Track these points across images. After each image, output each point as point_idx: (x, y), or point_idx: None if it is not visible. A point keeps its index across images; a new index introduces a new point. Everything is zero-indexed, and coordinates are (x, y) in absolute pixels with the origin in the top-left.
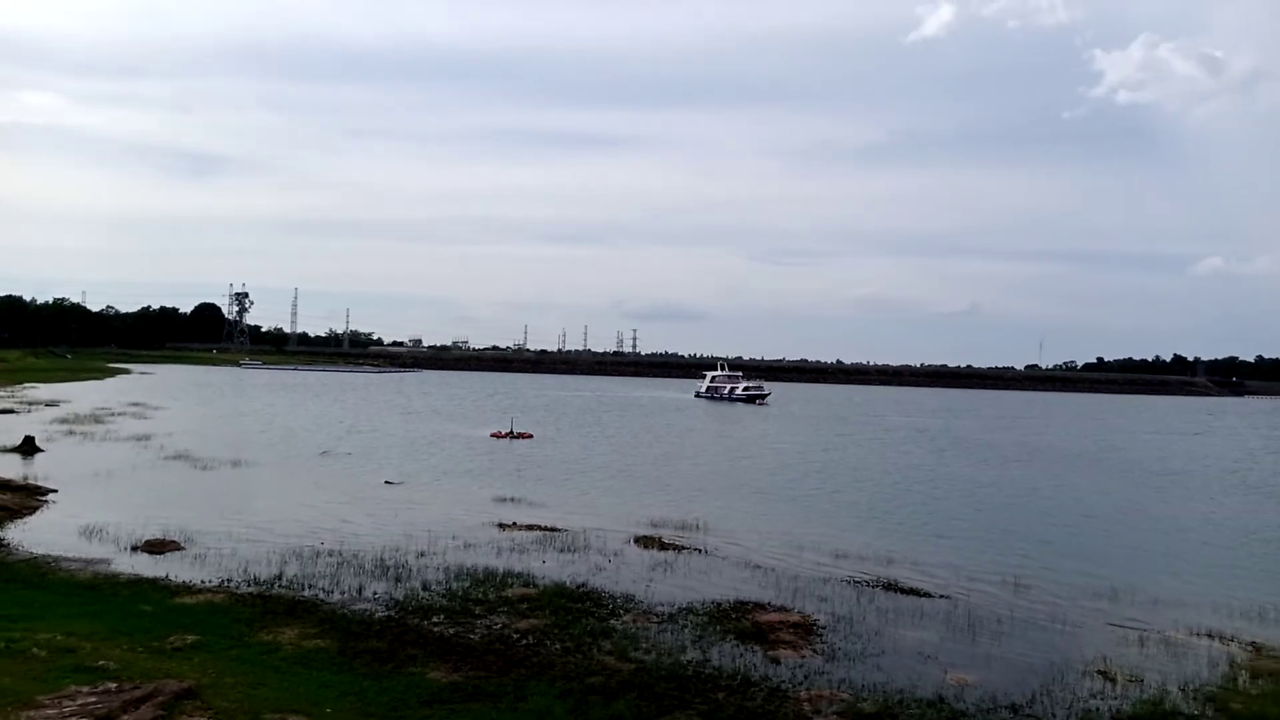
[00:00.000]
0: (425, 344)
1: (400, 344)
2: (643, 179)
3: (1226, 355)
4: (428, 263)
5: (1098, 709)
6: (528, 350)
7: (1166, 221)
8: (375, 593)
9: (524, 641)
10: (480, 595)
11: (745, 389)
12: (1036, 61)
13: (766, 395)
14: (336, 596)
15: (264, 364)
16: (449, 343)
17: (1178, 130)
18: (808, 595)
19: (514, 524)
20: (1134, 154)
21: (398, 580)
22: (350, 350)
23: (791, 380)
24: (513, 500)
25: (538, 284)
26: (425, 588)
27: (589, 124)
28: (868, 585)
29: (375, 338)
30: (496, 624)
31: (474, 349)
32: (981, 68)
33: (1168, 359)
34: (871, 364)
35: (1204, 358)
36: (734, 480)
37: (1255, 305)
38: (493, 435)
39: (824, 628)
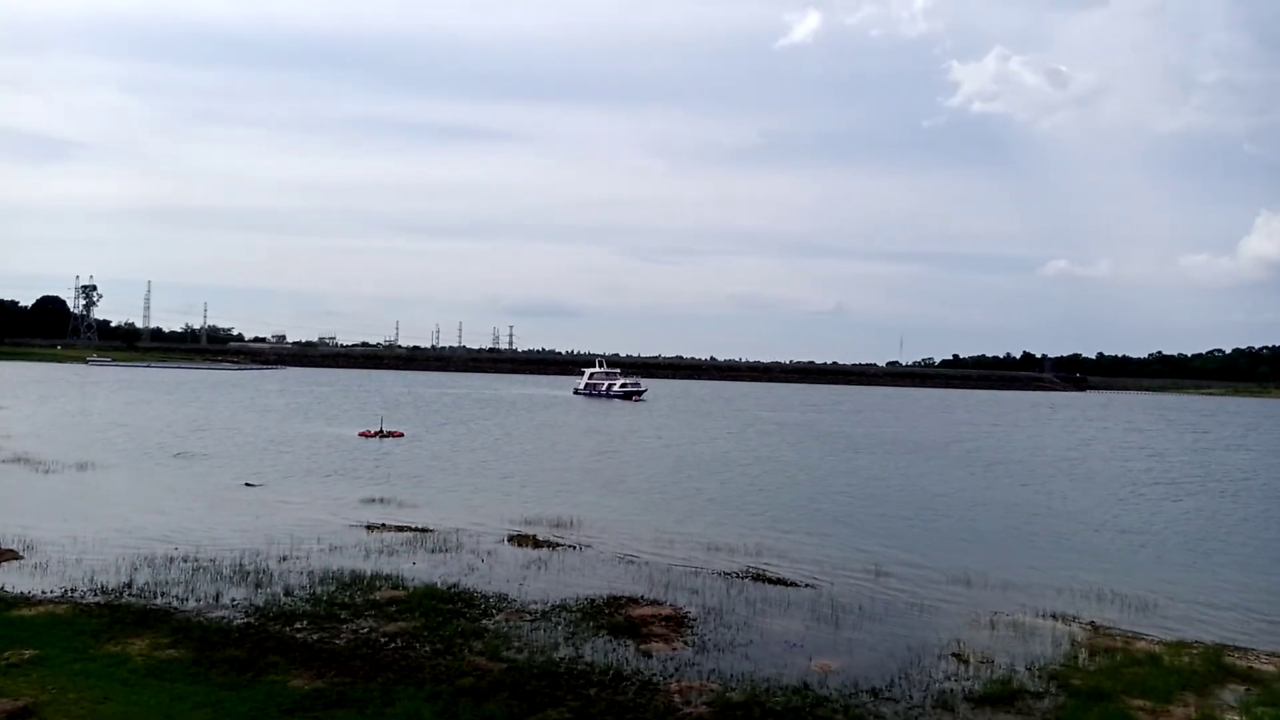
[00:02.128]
0: (290, 340)
1: (263, 340)
2: (520, 174)
3: (1071, 352)
4: (293, 255)
5: (952, 690)
6: (399, 347)
7: (1017, 226)
8: (234, 599)
9: (392, 645)
10: (346, 599)
11: (623, 385)
12: (898, 70)
13: (643, 391)
14: (192, 604)
15: (113, 361)
16: (315, 339)
17: (1027, 140)
18: (680, 588)
19: (383, 525)
20: (988, 162)
21: (258, 586)
22: (208, 347)
23: (667, 376)
24: (382, 501)
25: (411, 279)
26: (288, 593)
27: (466, 117)
28: (738, 577)
29: (236, 333)
30: (363, 628)
31: (342, 345)
32: (848, 75)
33: (1018, 356)
34: (744, 361)
35: (1051, 355)
36: (609, 476)
37: (1097, 306)
38: (361, 434)
39: (695, 620)
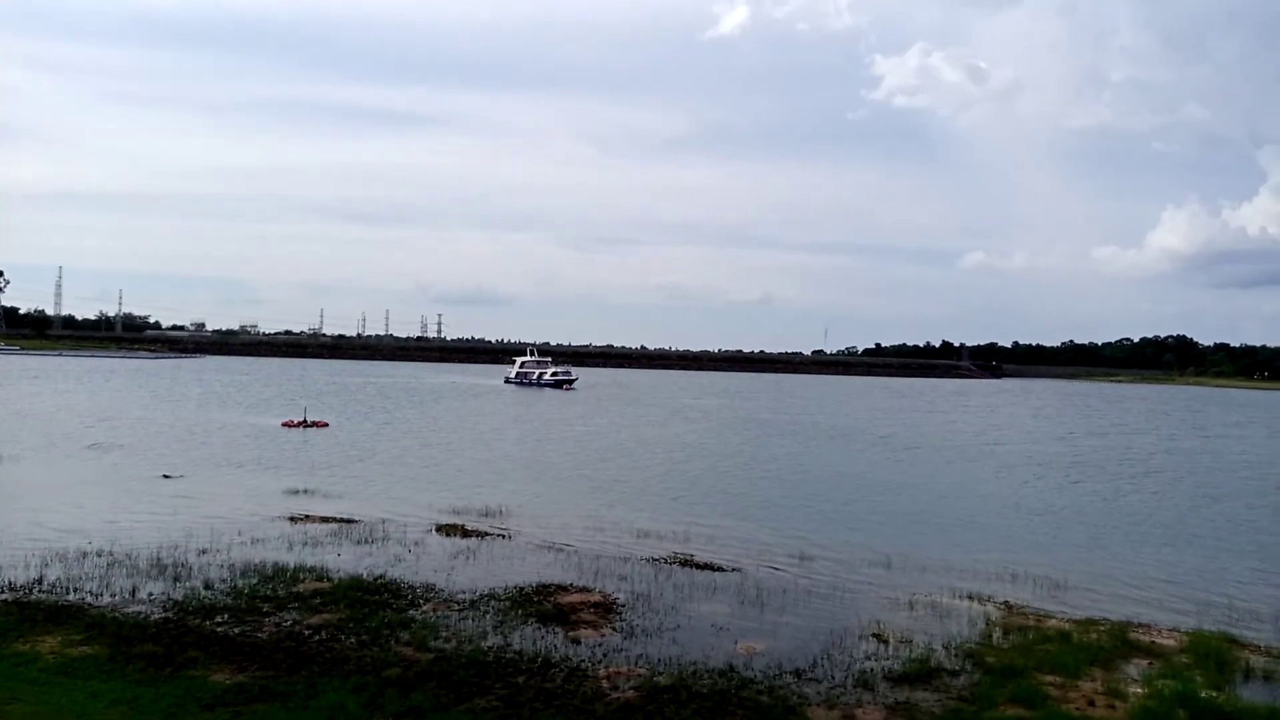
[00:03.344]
0: (210, 328)
1: (181, 328)
2: (448, 160)
3: (988, 341)
4: (213, 241)
5: (872, 669)
6: (324, 335)
7: (937, 219)
8: (151, 594)
9: (316, 637)
10: (269, 592)
11: (554, 374)
12: (824, 63)
13: (574, 380)
14: (106, 599)
15: (21, 349)
16: (237, 327)
17: (948, 134)
18: (609, 575)
19: (307, 516)
20: (910, 155)
21: (177, 580)
22: (124, 335)
23: (598, 365)
24: (306, 492)
25: (336, 266)
26: (208, 586)
27: (393, 101)
28: (666, 563)
29: (153, 321)
30: (287, 621)
31: (265, 333)
32: (775, 67)
33: (937, 345)
34: (674, 349)
35: (969, 344)
36: (539, 464)
37: (1013, 296)
38: (284, 424)
39: (624, 606)
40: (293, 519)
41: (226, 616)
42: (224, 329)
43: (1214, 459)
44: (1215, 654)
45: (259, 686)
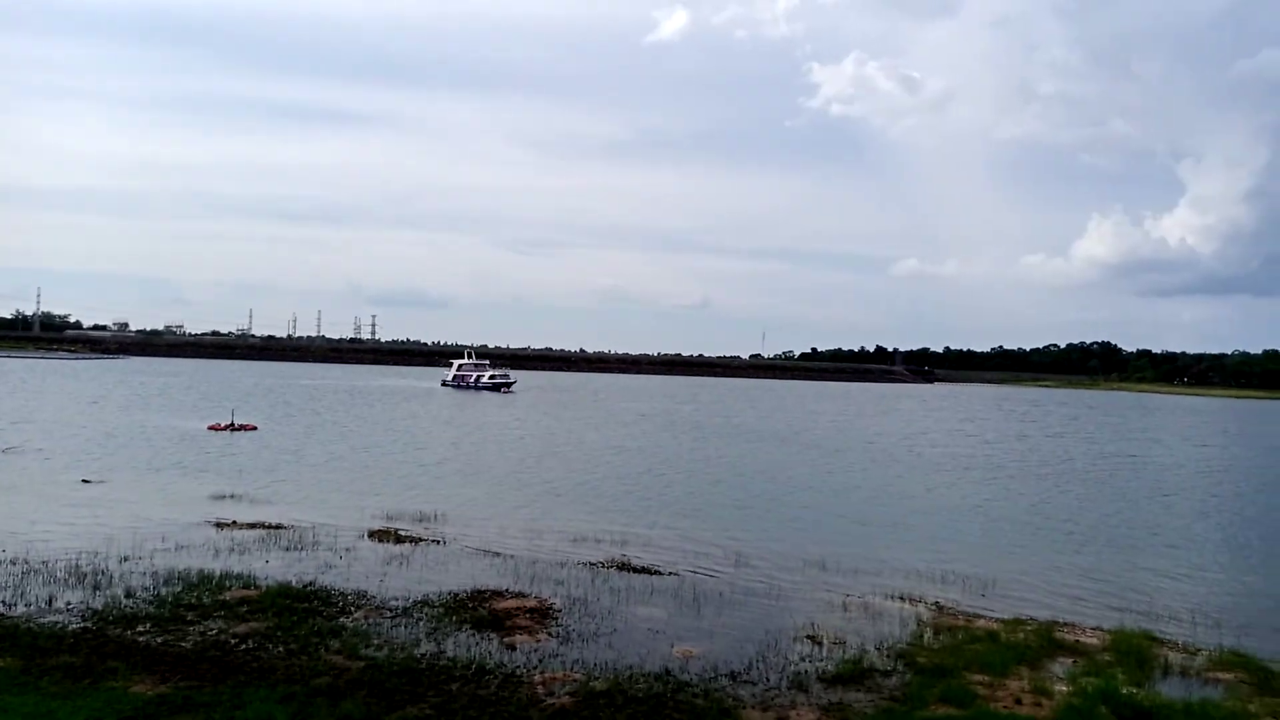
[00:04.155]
0: (134, 328)
1: (103, 328)
2: (382, 159)
3: (921, 346)
4: (137, 239)
5: (806, 671)
6: (253, 336)
7: (872, 226)
8: (69, 603)
9: (243, 646)
10: (194, 600)
11: (492, 377)
12: (762, 71)
13: (512, 383)
14: (20, 610)
15: None
16: (161, 327)
17: (882, 143)
18: (545, 580)
19: (234, 522)
20: (846, 163)
21: (96, 588)
22: (42, 335)
23: (537, 369)
24: (233, 497)
25: (265, 265)
26: (129, 595)
27: (324, 98)
28: (603, 567)
29: (73, 320)
30: (212, 629)
31: (191, 334)
32: (714, 73)
33: (871, 349)
34: (613, 353)
35: (902, 349)
36: (475, 468)
37: (945, 302)
38: (211, 428)
39: (560, 611)
40: (219, 525)
41: (149, 626)
42: (148, 329)
43: (1131, 462)
44: (1136, 652)
45: (182, 697)
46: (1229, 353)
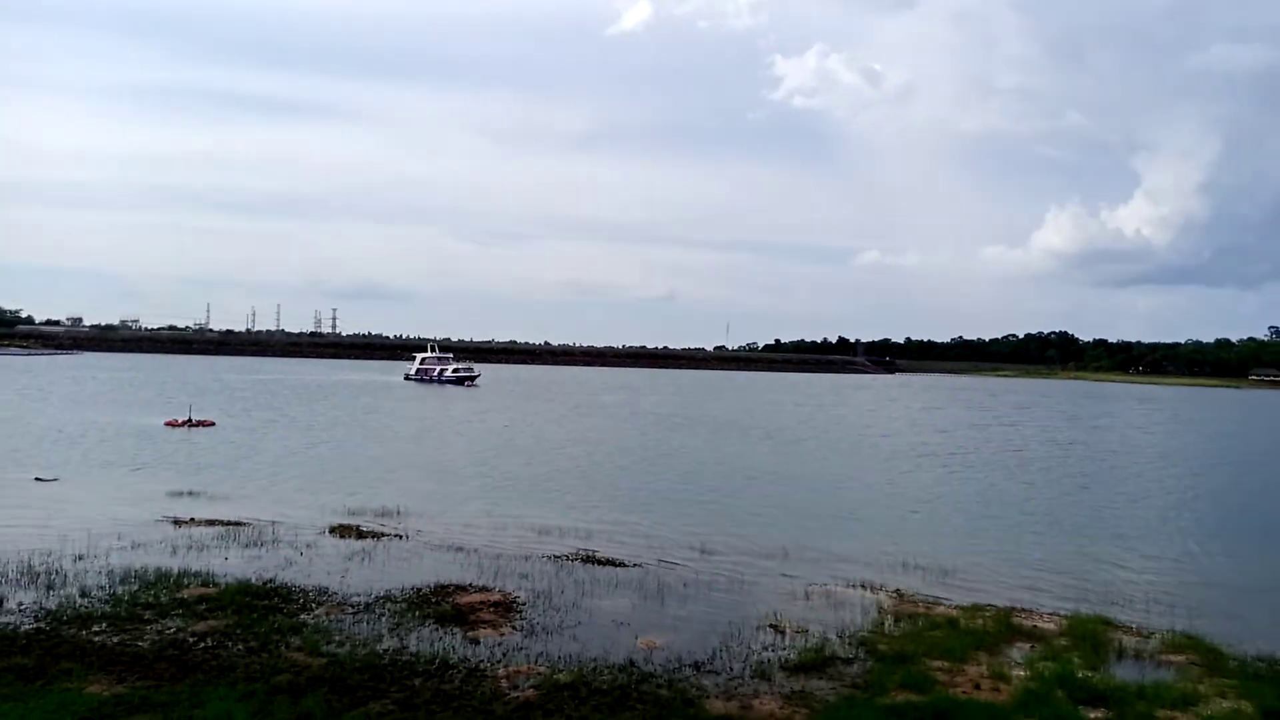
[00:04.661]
0: (87, 323)
1: (56, 323)
2: (342, 151)
3: (882, 337)
4: (90, 232)
5: (769, 660)
6: (211, 330)
7: (834, 218)
8: (21, 604)
9: (202, 644)
10: (151, 598)
11: (455, 371)
12: (725, 62)
13: (477, 377)
14: None
15: None
16: (116, 321)
17: (844, 135)
18: (509, 574)
19: (192, 519)
20: (808, 155)
21: (50, 588)
22: None
23: (501, 362)
24: (191, 494)
25: (223, 258)
26: (84, 594)
27: (283, 89)
28: (567, 560)
29: (24, 315)
30: (170, 628)
31: (147, 328)
32: (677, 64)
33: (834, 341)
34: (578, 346)
35: (864, 339)
36: (438, 463)
37: (906, 294)
38: (168, 424)
39: (524, 604)
40: (177, 522)
41: (104, 625)
42: (103, 324)
43: (1084, 450)
44: (1091, 636)
45: (139, 697)
46: (1182, 342)
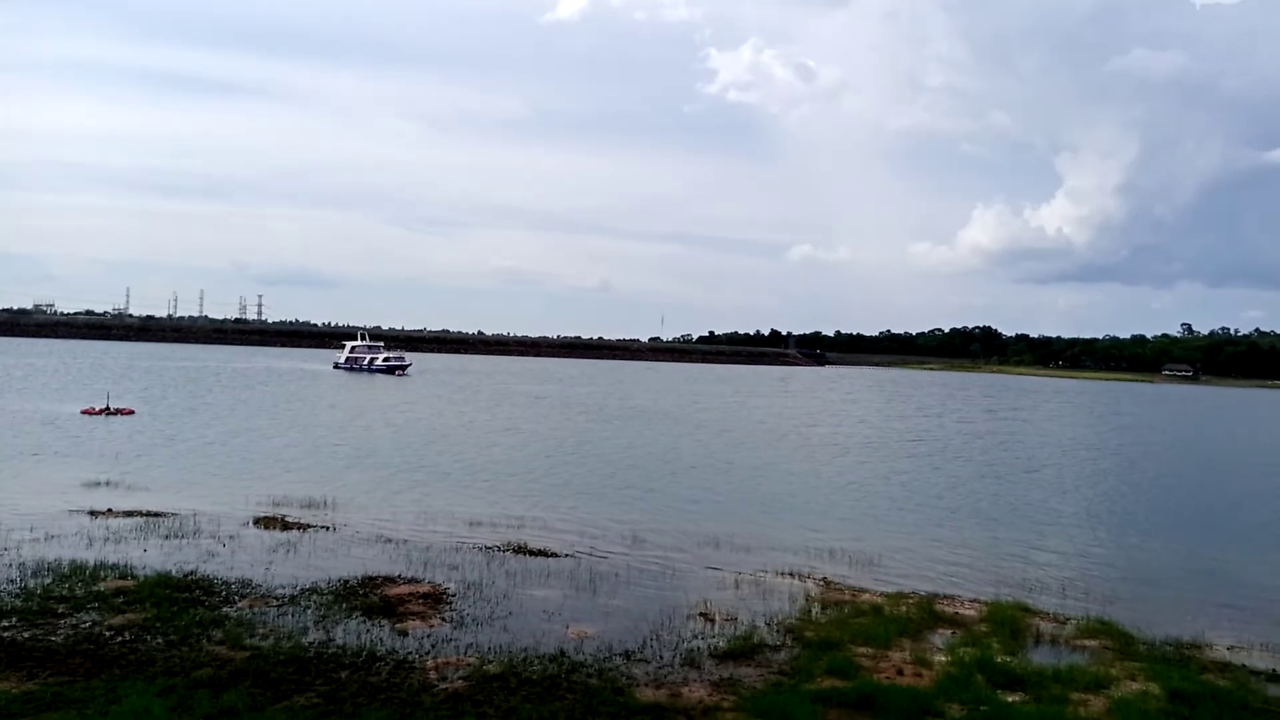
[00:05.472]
0: None
1: None
2: (269, 133)
3: (813, 330)
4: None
5: (699, 648)
6: (130, 316)
7: (767, 212)
8: None
9: (119, 639)
10: (65, 592)
11: (386, 359)
12: (661, 54)
13: (408, 366)
14: None
15: None
16: (29, 305)
17: (777, 130)
18: (439, 565)
19: (109, 510)
20: (742, 149)
21: None
22: None
23: (433, 351)
24: (108, 484)
25: (144, 242)
26: None
27: (208, 67)
28: (499, 550)
29: None
30: (85, 622)
31: (62, 314)
32: (613, 55)
33: (766, 333)
34: (512, 335)
35: (795, 332)
36: (367, 452)
37: (836, 287)
38: (85, 412)
39: (454, 595)
40: (93, 513)
41: (15, 620)
42: (14, 308)
43: (1002, 441)
44: (1010, 622)
45: (51, 694)
46: (1100, 338)
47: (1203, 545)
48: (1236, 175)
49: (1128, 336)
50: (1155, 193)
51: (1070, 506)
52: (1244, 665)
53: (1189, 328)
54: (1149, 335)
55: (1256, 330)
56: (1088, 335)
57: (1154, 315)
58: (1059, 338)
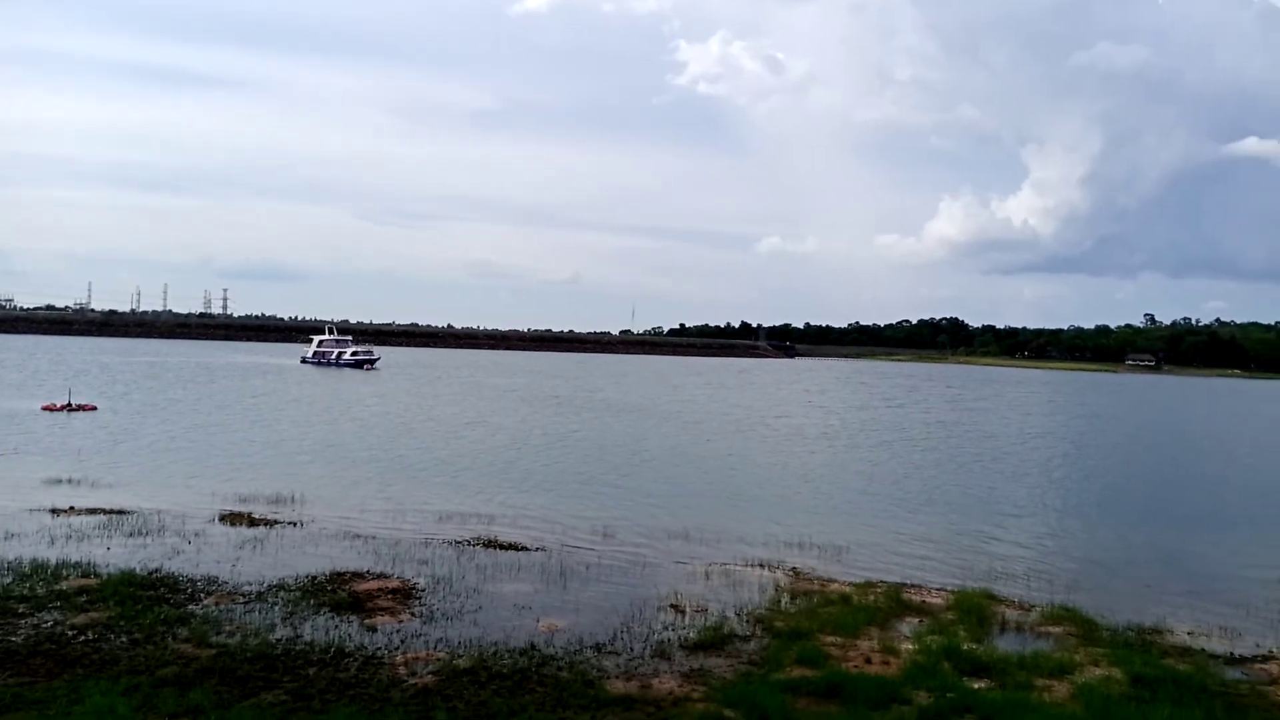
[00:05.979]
0: None
1: None
2: (236, 126)
3: (783, 322)
4: None
5: (669, 639)
6: (93, 310)
7: (737, 204)
8: None
9: (82, 638)
10: (26, 591)
11: (354, 353)
12: (630, 46)
13: (376, 360)
14: None
15: None
16: None
17: (747, 122)
18: (408, 560)
19: (71, 508)
20: (712, 141)
21: None
22: None
23: (402, 345)
24: (70, 481)
25: (106, 235)
26: None
27: (175, 58)
28: (468, 545)
29: None
30: (47, 622)
31: (22, 308)
32: (582, 46)
33: (736, 325)
34: (482, 329)
35: (765, 324)
36: (335, 447)
37: (805, 279)
38: (45, 408)
39: (424, 590)
40: (55, 511)
41: None
42: None
43: (967, 431)
44: (976, 610)
45: (11, 695)
46: (1065, 328)
47: (1162, 532)
48: (1199, 168)
49: (1092, 327)
50: (1119, 185)
51: (1033, 496)
52: (1203, 649)
53: (1152, 318)
54: (1113, 325)
55: (1217, 320)
56: (1053, 326)
57: (1118, 306)
58: (1025, 328)
